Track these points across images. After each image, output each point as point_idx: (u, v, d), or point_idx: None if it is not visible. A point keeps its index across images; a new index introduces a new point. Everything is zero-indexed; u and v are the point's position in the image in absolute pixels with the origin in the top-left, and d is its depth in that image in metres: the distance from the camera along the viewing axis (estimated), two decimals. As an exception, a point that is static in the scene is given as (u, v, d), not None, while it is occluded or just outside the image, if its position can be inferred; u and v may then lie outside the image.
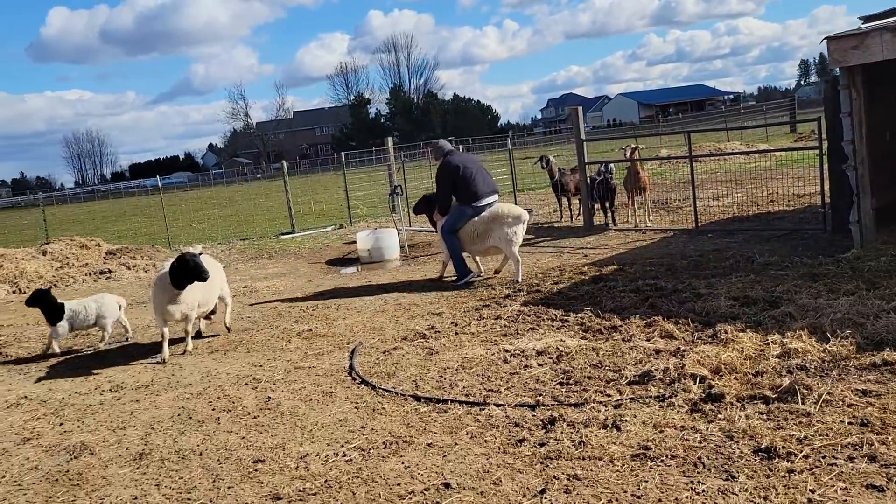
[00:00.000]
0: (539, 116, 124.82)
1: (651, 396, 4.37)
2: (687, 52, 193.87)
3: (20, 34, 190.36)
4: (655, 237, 10.33)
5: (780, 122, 31.84)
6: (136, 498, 3.80)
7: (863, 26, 7.19)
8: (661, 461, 3.57)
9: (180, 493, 3.81)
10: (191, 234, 18.55)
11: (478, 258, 8.92)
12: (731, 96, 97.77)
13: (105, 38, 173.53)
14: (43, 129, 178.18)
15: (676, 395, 4.31)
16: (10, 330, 8.51)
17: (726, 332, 5.26)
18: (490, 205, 8.40)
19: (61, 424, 5.05)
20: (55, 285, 11.63)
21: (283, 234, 16.18)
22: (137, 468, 4.17)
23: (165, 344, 6.47)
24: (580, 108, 12.35)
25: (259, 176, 51.11)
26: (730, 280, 6.89)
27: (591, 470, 3.56)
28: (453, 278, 8.62)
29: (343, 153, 19.26)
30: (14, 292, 11.22)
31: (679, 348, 5.15)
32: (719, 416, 3.99)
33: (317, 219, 18.71)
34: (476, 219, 8.34)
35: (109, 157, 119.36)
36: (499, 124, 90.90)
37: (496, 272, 8.64)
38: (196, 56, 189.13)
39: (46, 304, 7.04)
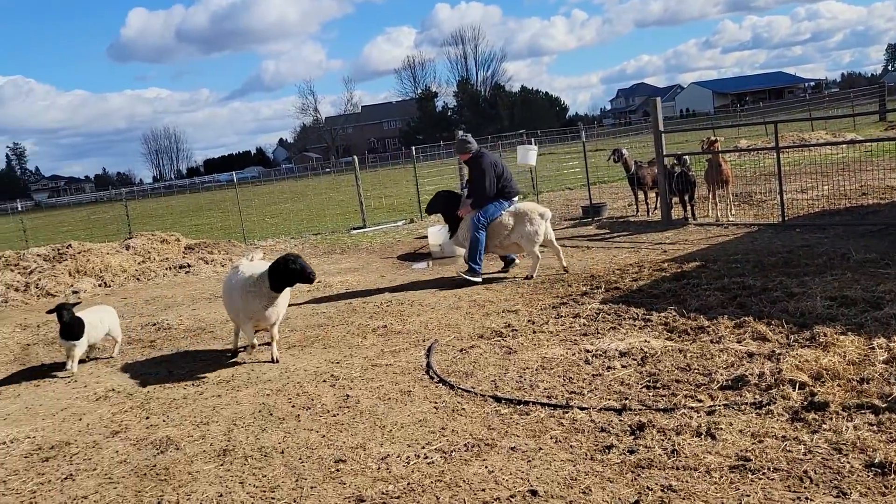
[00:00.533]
0: (608, 107, 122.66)
1: (747, 403, 4.14)
2: (764, 38, 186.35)
3: (101, 35, 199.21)
4: (738, 232, 9.91)
5: (870, 111, 30.15)
6: (221, 495, 3.82)
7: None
8: (763, 474, 3.35)
9: (264, 491, 3.81)
10: (264, 228, 18.91)
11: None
12: (813, 83, 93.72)
13: (180, 38, 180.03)
14: (123, 127, 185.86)
15: (775, 403, 4.07)
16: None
17: (825, 335, 4.96)
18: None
19: (147, 418, 5.15)
20: (138, 279, 12.01)
21: (354, 228, 16.31)
22: (221, 465, 4.20)
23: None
24: (658, 99, 11.96)
25: (328, 170, 51.93)
26: (824, 278, 6.52)
27: (687, 481, 3.37)
28: (527, 275, 8.50)
29: (413, 147, 19.28)
30: (100, 286, 11.63)
31: (774, 351, 4.87)
32: (824, 426, 3.74)
33: (387, 213, 18.80)
34: (505, 213, 8.55)
35: (185, 153, 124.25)
36: (567, 116, 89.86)
37: (565, 270, 8.43)
38: (267, 53, 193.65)
39: (70, 320, 6.49)
